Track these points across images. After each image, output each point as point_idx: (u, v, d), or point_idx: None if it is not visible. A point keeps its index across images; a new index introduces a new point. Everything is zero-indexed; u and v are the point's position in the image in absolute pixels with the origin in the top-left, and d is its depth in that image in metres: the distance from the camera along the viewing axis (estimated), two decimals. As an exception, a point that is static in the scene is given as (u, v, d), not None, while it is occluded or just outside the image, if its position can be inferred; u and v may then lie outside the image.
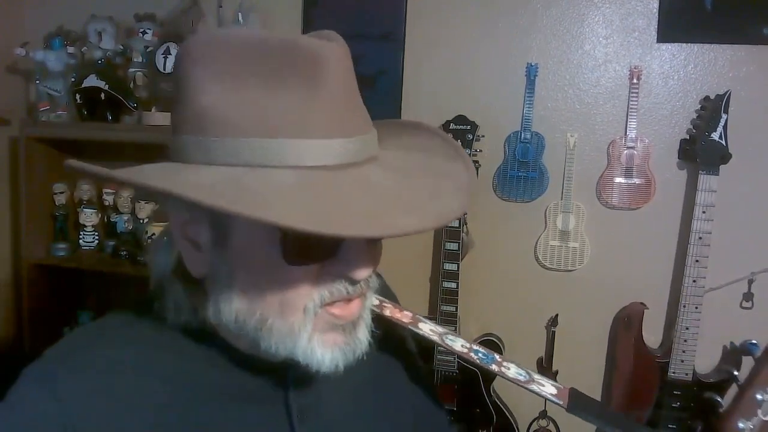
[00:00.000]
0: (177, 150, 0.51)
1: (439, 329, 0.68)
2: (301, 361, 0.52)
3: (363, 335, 0.55)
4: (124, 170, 0.49)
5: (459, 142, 0.65)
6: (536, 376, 0.66)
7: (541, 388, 0.65)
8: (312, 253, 0.50)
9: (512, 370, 0.66)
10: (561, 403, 0.64)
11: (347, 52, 0.52)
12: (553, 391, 0.65)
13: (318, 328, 0.52)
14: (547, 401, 0.65)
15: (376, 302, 0.68)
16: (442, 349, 0.71)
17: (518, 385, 0.65)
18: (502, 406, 1.75)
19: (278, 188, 0.45)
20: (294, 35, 0.49)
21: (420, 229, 0.47)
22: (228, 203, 0.42)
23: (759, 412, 0.64)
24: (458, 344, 0.67)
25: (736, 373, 0.70)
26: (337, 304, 0.53)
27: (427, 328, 0.67)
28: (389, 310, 0.68)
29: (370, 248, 0.52)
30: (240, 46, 0.48)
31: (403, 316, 0.68)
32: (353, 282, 0.52)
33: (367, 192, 0.48)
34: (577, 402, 0.65)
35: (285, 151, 0.47)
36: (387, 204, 0.48)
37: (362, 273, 0.51)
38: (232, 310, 0.53)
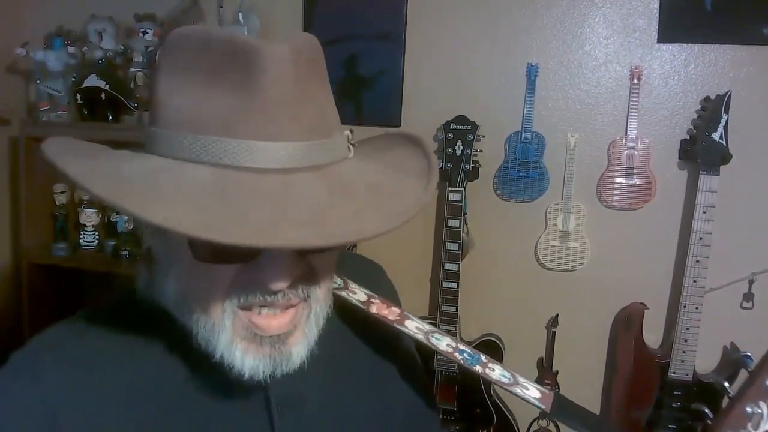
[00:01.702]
0: (144, 137, 0.53)
1: (426, 327, 0.67)
2: (224, 361, 0.52)
3: (297, 350, 0.54)
4: (76, 161, 0.49)
5: (435, 159, 0.59)
6: (521, 379, 0.65)
7: (525, 391, 0.64)
8: (222, 255, 0.49)
9: (497, 372, 0.65)
10: (544, 407, 0.63)
11: (298, 53, 0.49)
12: (537, 394, 0.64)
13: (239, 334, 0.52)
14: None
15: (364, 298, 0.68)
16: (416, 340, 0.70)
17: (502, 387, 0.64)
18: (502, 406, 1.75)
19: (185, 186, 0.46)
20: (241, 36, 0.48)
21: (312, 245, 0.45)
22: (114, 196, 0.43)
23: (749, 425, 0.63)
24: (443, 343, 0.66)
25: (726, 385, 0.70)
26: (262, 314, 0.52)
27: (413, 326, 0.66)
28: (376, 307, 0.67)
29: (297, 258, 0.51)
30: (190, 43, 0.50)
31: (390, 313, 0.67)
32: (268, 292, 0.50)
33: (275, 201, 0.46)
34: (560, 407, 0.64)
35: (206, 147, 0.47)
36: (287, 215, 0.45)
37: (276, 284, 0.49)
38: (169, 295, 0.55)
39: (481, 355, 0.67)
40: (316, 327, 0.56)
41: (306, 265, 0.53)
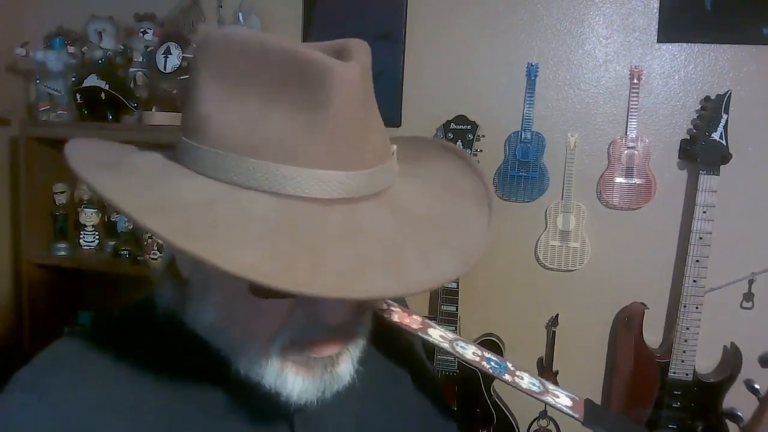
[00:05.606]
0: (179, 149, 0.49)
1: (449, 335, 0.65)
2: (271, 389, 0.49)
3: (345, 371, 0.51)
4: (108, 175, 0.45)
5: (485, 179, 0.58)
6: (550, 387, 0.63)
7: (556, 399, 0.62)
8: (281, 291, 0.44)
9: (525, 381, 0.63)
10: (577, 416, 0.61)
11: (364, 72, 0.45)
12: (569, 402, 0.62)
13: (290, 359, 0.49)
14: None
15: (383, 306, 0.65)
16: (442, 348, 0.68)
17: (532, 396, 0.62)
18: (502, 406, 1.75)
19: (252, 222, 0.42)
20: (306, 48, 0.43)
21: (397, 294, 0.42)
22: (191, 240, 0.39)
23: None
24: (469, 352, 0.64)
25: (758, 386, 0.69)
26: (315, 341, 0.49)
27: (437, 335, 0.64)
28: (397, 316, 0.64)
29: None
30: (246, 53, 0.44)
31: (412, 322, 0.64)
32: (325, 326, 0.48)
33: (350, 239, 0.43)
34: (593, 414, 0.62)
35: (269, 175, 0.43)
36: (366, 259, 0.42)
37: (335, 318, 0.47)
38: (206, 320, 0.51)
39: (508, 363, 0.64)
40: (361, 342, 0.54)
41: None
